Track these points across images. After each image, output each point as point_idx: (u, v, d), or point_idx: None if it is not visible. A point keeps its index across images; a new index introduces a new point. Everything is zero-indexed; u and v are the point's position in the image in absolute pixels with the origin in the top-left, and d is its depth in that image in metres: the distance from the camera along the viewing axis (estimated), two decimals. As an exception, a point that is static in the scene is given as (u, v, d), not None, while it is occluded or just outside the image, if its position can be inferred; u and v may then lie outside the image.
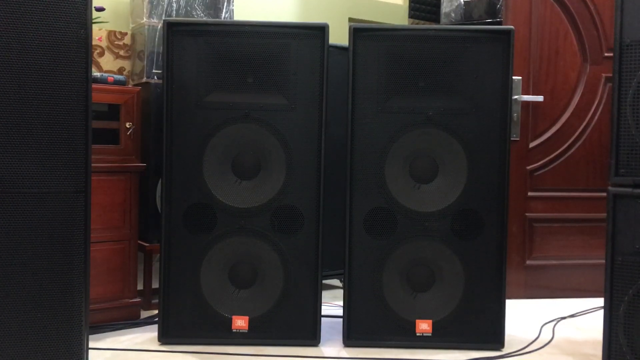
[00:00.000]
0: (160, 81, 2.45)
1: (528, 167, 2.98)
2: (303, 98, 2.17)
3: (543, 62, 2.97)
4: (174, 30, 2.14)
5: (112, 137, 2.42)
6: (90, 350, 1.88)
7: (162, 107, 2.15)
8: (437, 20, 3.74)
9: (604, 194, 1.95)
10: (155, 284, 2.60)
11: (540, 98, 2.94)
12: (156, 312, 2.48)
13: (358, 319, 2.20)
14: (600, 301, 2.84)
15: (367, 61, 2.17)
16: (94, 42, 2.89)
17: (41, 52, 1.66)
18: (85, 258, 1.74)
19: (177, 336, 2.18)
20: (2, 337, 1.66)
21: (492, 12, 3.24)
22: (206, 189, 2.16)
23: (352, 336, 2.20)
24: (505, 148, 2.17)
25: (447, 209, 2.18)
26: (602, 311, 2.13)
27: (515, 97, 2.91)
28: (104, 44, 2.97)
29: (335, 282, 3.20)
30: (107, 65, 2.98)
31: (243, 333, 2.17)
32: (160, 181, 2.32)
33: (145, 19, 2.73)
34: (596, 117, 3.03)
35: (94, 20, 2.27)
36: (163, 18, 2.57)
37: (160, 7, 2.74)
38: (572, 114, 3.01)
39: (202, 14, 2.82)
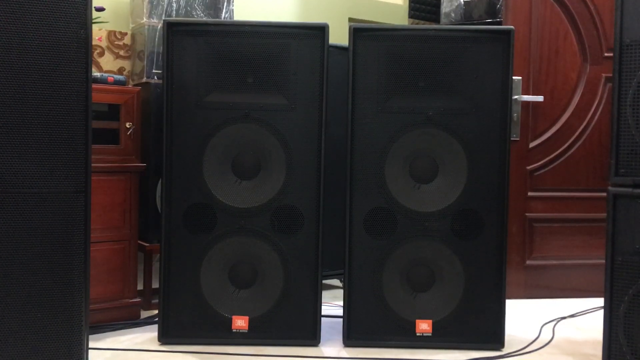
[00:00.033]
0: (160, 81, 2.45)
1: (528, 167, 2.98)
2: (303, 98, 2.17)
3: (543, 62, 2.97)
4: (174, 30, 2.14)
5: (112, 137, 2.42)
6: (90, 350, 1.89)
7: (162, 107, 2.15)
8: (437, 20, 3.74)
9: (604, 194, 1.95)
10: (155, 284, 2.60)
11: (540, 98, 2.94)
12: (156, 312, 2.48)
13: (358, 319, 2.20)
14: (600, 301, 2.84)
15: (367, 61, 2.17)
16: (94, 42, 2.89)
17: (41, 52, 1.66)
18: (85, 258, 1.74)
19: (177, 336, 2.18)
20: (2, 337, 1.66)
21: (492, 12, 3.24)
22: (206, 189, 2.16)
23: (352, 336, 2.20)
24: (505, 148, 2.17)
25: (447, 209, 2.18)
26: (602, 311, 2.13)
27: (515, 97, 2.92)
28: (104, 44, 2.97)
29: (335, 282, 3.20)
30: (107, 65, 2.98)
31: (243, 333, 2.17)
32: (160, 181, 2.32)
33: (145, 19, 2.73)
34: (596, 117, 3.03)
35: (94, 20, 2.27)
36: (163, 18, 2.57)
37: (160, 7, 2.74)
38: (572, 114, 3.01)
39: (202, 14, 2.82)
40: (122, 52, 3.01)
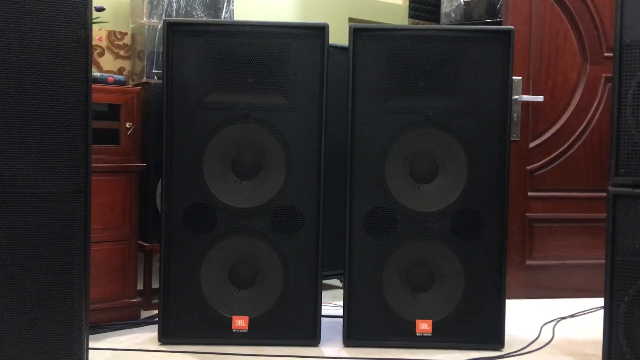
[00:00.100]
0: (160, 81, 2.45)
1: (528, 167, 2.98)
2: (303, 98, 2.17)
3: (543, 62, 2.97)
4: (174, 30, 2.14)
5: (112, 137, 2.42)
6: (90, 350, 1.89)
7: (162, 107, 2.15)
8: (437, 20, 3.74)
9: (604, 194, 1.95)
10: (155, 284, 2.60)
11: (540, 98, 2.94)
12: (156, 312, 2.48)
13: (358, 319, 2.20)
14: (600, 301, 2.84)
15: (367, 61, 2.17)
16: (94, 42, 2.89)
17: (41, 52, 1.66)
18: (85, 258, 1.74)
19: (177, 336, 2.18)
20: (2, 337, 1.66)
21: (492, 12, 3.24)
22: (206, 189, 2.16)
23: (352, 336, 2.20)
24: (505, 148, 2.17)
25: (447, 209, 2.18)
26: (602, 311, 2.13)
27: (515, 97, 2.91)
28: (104, 44, 2.97)
29: (335, 282, 3.20)
30: (107, 65, 2.98)
31: (243, 333, 2.17)
32: (160, 181, 2.32)
33: (145, 19, 2.73)
34: (596, 117, 3.03)
35: (94, 20, 2.27)
36: (163, 18, 2.57)
37: (160, 7, 2.74)
38: (572, 114, 3.01)
39: (202, 14, 2.82)
40: (122, 52, 3.01)
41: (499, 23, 3.10)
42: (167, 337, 2.18)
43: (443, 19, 3.42)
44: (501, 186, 2.18)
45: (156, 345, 2.17)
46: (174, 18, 2.73)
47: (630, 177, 1.84)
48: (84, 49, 1.70)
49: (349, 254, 2.19)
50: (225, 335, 2.18)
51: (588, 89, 3.02)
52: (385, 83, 2.17)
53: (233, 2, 2.91)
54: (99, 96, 2.32)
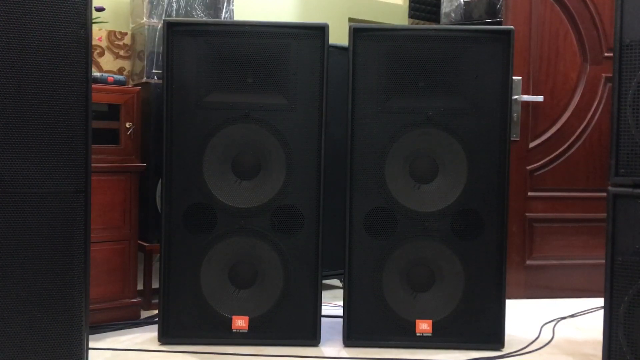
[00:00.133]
0: (160, 81, 2.45)
1: (528, 167, 2.98)
2: (303, 98, 2.17)
3: (543, 62, 2.97)
4: (174, 30, 2.14)
5: (112, 137, 2.42)
6: (90, 350, 1.89)
7: (162, 107, 2.15)
8: (437, 20, 3.74)
9: (604, 194, 1.95)
10: (155, 284, 2.60)
11: (540, 98, 2.94)
12: (156, 312, 2.48)
13: (358, 319, 2.20)
14: (600, 301, 2.84)
15: (367, 61, 2.17)
16: (94, 42, 2.89)
17: (41, 52, 1.66)
18: (85, 258, 1.74)
19: (177, 336, 2.18)
20: (2, 337, 1.66)
21: (492, 12, 3.24)
22: (206, 189, 2.16)
23: (352, 336, 2.20)
24: (505, 148, 2.17)
25: (447, 209, 2.18)
26: (602, 311, 2.13)
27: (515, 97, 2.91)
28: (104, 44, 2.97)
29: (335, 282, 3.20)
30: (107, 65, 2.98)
31: (243, 333, 2.17)
32: (160, 181, 2.32)
33: (145, 19, 2.73)
34: (596, 117, 3.03)
35: (94, 20, 2.27)
36: (163, 18, 2.57)
37: (160, 7, 2.74)
38: (572, 114, 3.01)
39: (202, 14, 2.82)
40: (122, 52, 3.01)
41: (499, 23, 3.11)
42: (167, 337, 2.18)
43: (443, 19, 3.42)
44: (501, 186, 2.18)
45: (156, 345, 2.17)
46: (174, 18, 2.73)
47: (630, 177, 1.84)
48: (84, 49, 1.70)
49: (349, 254, 2.19)
50: (225, 335, 2.18)
51: (588, 89, 3.02)
52: (385, 83, 2.17)
53: (233, 2, 2.91)
54: (99, 96, 2.32)
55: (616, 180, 1.87)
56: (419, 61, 2.16)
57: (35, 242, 1.68)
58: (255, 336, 2.18)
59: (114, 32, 2.99)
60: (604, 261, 1.89)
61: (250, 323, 2.18)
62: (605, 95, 3.02)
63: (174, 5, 2.76)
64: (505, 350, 2.19)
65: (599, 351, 2.10)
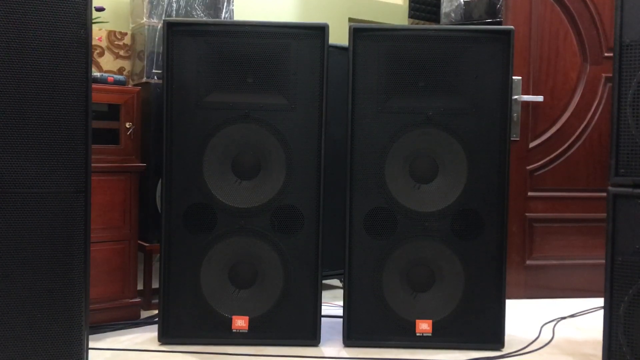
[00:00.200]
0: (160, 81, 2.45)
1: (528, 167, 2.98)
2: (303, 98, 2.17)
3: (543, 62, 2.97)
4: (174, 30, 2.14)
5: (112, 137, 2.42)
6: (90, 350, 1.89)
7: (162, 107, 2.15)
8: (437, 20, 3.74)
9: (604, 194, 1.95)
10: (155, 284, 2.60)
11: (540, 98, 2.94)
12: (156, 312, 2.48)
13: (358, 319, 2.20)
14: (600, 301, 2.84)
15: (367, 61, 2.17)
16: (94, 42, 2.89)
17: (41, 52, 1.66)
18: (85, 258, 1.74)
19: (177, 336, 2.18)
20: (2, 337, 1.66)
21: (492, 12, 3.24)
22: (206, 189, 2.16)
23: (352, 336, 2.20)
24: (505, 148, 2.17)
25: (447, 209, 2.18)
26: (602, 311, 2.13)
27: (515, 97, 2.91)
28: (104, 44, 2.97)
29: (335, 282, 3.20)
30: (107, 65, 2.98)
31: (243, 333, 2.17)
32: (160, 181, 2.32)
33: (145, 19, 2.73)
34: (596, 117, 3.03)
35: (94, 20, 2.27)
36: (163, 18, 2.57)
37: (160, 7, 2.74)
38: (572, 114, 3.01)
39: (202, 14, 2.82)
40: (122, 52, 3.01)
41: (499, 23, 3.11)
42: (167, 337, 2.18)
43: (443, 19, 3.42)
44: (501, 186, 2.18)
45: (156, 345, 2.17)
46: (174, 18, 2.73)
47: (630, 177, 1.84)
48: (84, 49, 1.70)
49: (349, 254, 2.19)
50: (225, 335, 2.18)
51: (588, 89, 3.02)
52: (385, 83, 2.17)
53: (233, 2, 2.91)
54: (99, 96, 2.32)
55: (616, 180, 1.87)
56: (419, 61, 2.16)
57: (35, 242, 1.68)
58: (255, 336, 2.18)
59: (114, 32, 2.99)
60: (604, 261, 1.89)
61: (250, 323, 2.18)
62: (605, 95, 3.02)
63: (174, 5, 2.76)
64: (505, 350, 2.19)
65: (599, 351, 2.10)
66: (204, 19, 2.81)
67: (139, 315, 2.48)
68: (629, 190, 1.83)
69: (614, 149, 1.87)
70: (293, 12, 3.72)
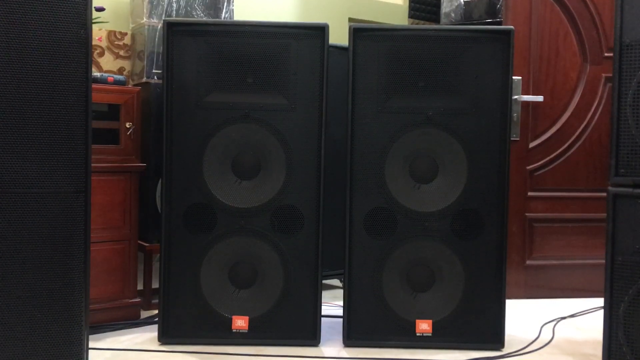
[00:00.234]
0: (160, 81, 2.45)
1: (528, 167, 2.98)
2: (303, 98, 2.17)
3: (543, 62, 2.97)
4: (174, 30, 2.14)
5: (112, 137, 2.42)
6: (90, 350, 1.89)
7: (162, 107, 2.15)
8: (437, 20, 3.74)
9: (604, 194, 1.95)
10: (155, 284, 2.60)
11: (540, 98, 2.94)
12: (156, 312, 2.48)
13: (358, 319, 2.20)
14: (600, 301, 2.84)
15: (367, 61, 2.17)
16: (94, 42, 2.89)
17: (41, 52, 1.66)
18: (85, 258, 1.74)
19: (177, 336, 2.18)
20: (2, 337, 1.66)
21: (492, 12, 3.24)
22: (206, 189, 2.16)
23: (352, 336, 2.20)
24: (505, 148, 2.17)
25: (447, 209, 2.18)
26: (602, 311, 2.13)
27: (515, 97, 2.91)
28: (104, 44, 2.97)
29: (335, 282, 3.20)
30: (107, 65, 2.98)
31: (243, 333, 2.17)
32: (160, 181, 2.32)
33: (145, 19, 2.73)
34: (596, 117, 3.03)
35: (94, 20, 2.27)
36: (163, 18, 2.57)
37: (160, 7, 2.74)
38: (572, 114, 3.01)
39: (202, 14, 2.82)
40: (122, 52, 3.01)
41: (499, 23, 3.11)
42: (167, 337, 2.18)
43: (443, 19, 3.42)
44: (501, 186, 2.18)
45: (156, 345, 2.17)
46: (174, 18, 2.73)
47: (630, 177, 1.84)
48: (84, 49, 1.71)
49: (349, 254, 2.19)
50: (225, 335, 2.18)
51: (588, 89, 3.02)
52: (385, 83, 2.17)
53: (233, 2, 2.91)
54: (99, 96, 2.32)
55: (616, 180, 1.87)
56: (419, 61, 2.16)
57: (35, 242, 1.68)
58: (255, 336, 2.18)
59: (114, 32, 2.99)
60: (604, 261, 1.89)
61: (250, 323, 2.18)
62: (605, 95, 3.02)
63: (174, 5, 2.76)
64: (505, 350, 2.19)
65: (599, 351, 2.10)
66: (204, 19, 2.81)
67: (139, 315, 2.48)
68: (629, 190, 1.83)
69: (614, 149, 1.87)
70: (293, 12, 3.72)
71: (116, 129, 2.43)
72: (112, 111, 2.44)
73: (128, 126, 2.42)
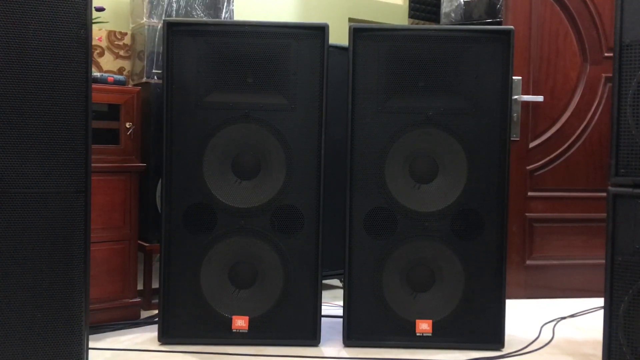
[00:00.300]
0: (160, 81, 2.45)
1: (528, 167, 2.98)
2: (303, 98, 2.17)
3: (543, 62, 2.97)
4: (174, 30, 2.14)
5: (112, 137, 2.42)
6: (90, 350, 1.88)
7: (162, 107, 2.15)
8: (437, 20, 3.74)
9: (604, 194, 1.95)
10: (155, 284, 2.60)
11: (540, 98, 2.94)
12: (156, 312, 2.48)
13: (358, 319, 2.20)
14: (600, 301, 2.84)
15: (367, 61, 2.17)
16: (94, 42, 2.89)
17: (41, 52, 1.66)
18: (85, 258, 1.74)
19: (177, 336, 2.18)
20: (2, 337, 1.66)
21: (492, 12, 3.24)
22: (206, 189, 2.16)
23: (352, 336, 2.20)
24: (505, 148, 2.17)
25: (447, 209, 2.18)
26: (602, 311, 2.13)
27: (515, 97, 2.91)
28: (104, 44, 2.97)
29: (335, 282, 3.20)
30: (107, 65, 2.98)
31: (243, 333, 2.17)
32: (160, 181, 2.32)
33: (145, 19, 2.73)
34: (596, 117, 3.03)
35: (94, 20, 2.27)
36: (163, 18, 2.57)
37: (160, 7, 2.74)
38: (572, 114, 3.01)
39: (202, 14, 2.82)
40: (122, 52, 3.01)
41: (499, 23, 3.11)
42: (167, 337, 2.18)
43: (443, 19, 3.42)
44: (501, 186, 2.18)
45: (156, 345, 2.17)
46: (174, 18, 2.73)
47: (630, 177, 1.84)
48: (84, 49, 1.71)
49: (349, 254, 2.19)
50: (225, 335, 2.18)
51: (588, 89, 3.02)
52: (385, 83, 2.17)
53: (233, 2, 2.91)
54: (99, 96, 2.32)
55: (616, 180, 1.87)
56: (419, 61, 2.16)
57: (35, 242, 1.68)
58: (255, 336, 2.18)
59: (114, 32, 2.99)
60: (604, 261, 1.89)
61: (250, 323, 2.18)
62: (605, 95, 3.02)
63: (174, 5, 2.76)
64: (505, 350, 2.19)
65: (599, 351, 2.10)
66: (204, 19, 2.81)
67: (139, 315, 2.48)
68: (629, 190, 1.83)
69: (614, 149, 1.87)
70: (293, 12, 3.72)
71: (116, 129, 2.43)
72: (112, 111, 2.44)
73: (128, 126, 2.42)
